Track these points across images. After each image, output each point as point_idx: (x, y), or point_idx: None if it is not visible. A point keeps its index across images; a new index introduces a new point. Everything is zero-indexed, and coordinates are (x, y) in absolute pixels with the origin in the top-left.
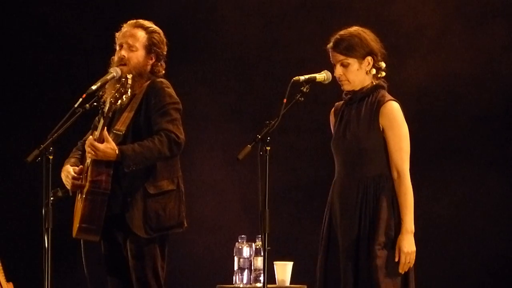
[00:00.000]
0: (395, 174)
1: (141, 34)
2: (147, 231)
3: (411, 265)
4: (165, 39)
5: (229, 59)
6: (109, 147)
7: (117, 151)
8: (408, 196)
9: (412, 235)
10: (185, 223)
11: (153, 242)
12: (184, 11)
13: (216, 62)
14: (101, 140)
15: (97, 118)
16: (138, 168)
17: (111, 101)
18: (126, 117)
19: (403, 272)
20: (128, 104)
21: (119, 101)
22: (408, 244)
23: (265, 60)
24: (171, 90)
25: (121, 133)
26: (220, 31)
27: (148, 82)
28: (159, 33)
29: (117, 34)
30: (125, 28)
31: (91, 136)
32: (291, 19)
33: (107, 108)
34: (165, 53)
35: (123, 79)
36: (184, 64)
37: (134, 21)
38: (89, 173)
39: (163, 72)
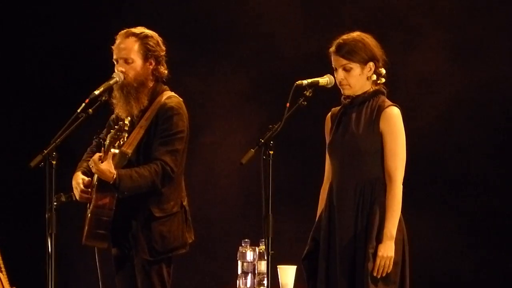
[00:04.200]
0: (387, 179)
1: (134, 44)
2: (152, 254)
3: (388, 271)
4: (160, 40)
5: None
6: (108, 169)
7: (115, 175)
8: (395, 202)
9: (392, 241)
10: (188, 243)
11: (160, 261)
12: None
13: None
14: (104, 159)
15: (112, 117)
16: (130, 195)
17: (110, 140)
18: (134, 139)
19: (378, 276)
20: (138, 119)
21: (117, 142)
22: (384, 249)
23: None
24: (180, 117)
25: (127, 155)
26: (238, 22)
27: (160, 101)
28: (152, 37)
29: (113, 47)
30: (118, 40)
31: (97, 153)
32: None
33: (107, 143)
34: (163, 54)
35: (121, 123)
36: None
37: (125, 30)
38: (93, 196)
39: (166, 72)
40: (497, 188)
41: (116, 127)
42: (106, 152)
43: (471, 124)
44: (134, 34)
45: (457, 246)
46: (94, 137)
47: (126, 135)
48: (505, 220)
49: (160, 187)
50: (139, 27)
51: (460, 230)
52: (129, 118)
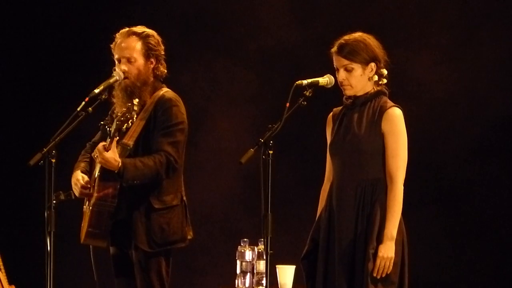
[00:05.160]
0: (388, 180)
1: (136, 43)
2: (151, 246)
3: (388, 271)
4: (160, 39)
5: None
6: (113, 157)
7: (119, 164)
8: (396, 203)
9: (393, 242)
10: (187, 237)
11: (158, 255)
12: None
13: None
14: (109, 148)
15: (106, 119)
16: (134, 184)
17: (117, 123)
18: (134, 131)
19: (378, 277)
20: (137, 112)
21: (125, 125)
22: (385, 250)
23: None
24: (178, 109)
25: (128, 147)
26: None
27: (159, 94)
28: (153, 36)
29: (112, 46)
30: (119, 39)
31: (102, 142)
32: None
33: (113, 128)
34: (163, 53)
35: (129, 105)
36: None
37: (126, 30)
38: (95, 187)
39: (165, 71)
40: (489, 190)
41: (124, 109)
42: (112, 138)
43: (460, 128)
44: (136, 33)
45: (454, 248)
46: (100, 124)
47: (135, 115)
48: (500, 222)
49: (165, 177)
50: (139, 26)
51: (457, 233)
52: (137, 100)
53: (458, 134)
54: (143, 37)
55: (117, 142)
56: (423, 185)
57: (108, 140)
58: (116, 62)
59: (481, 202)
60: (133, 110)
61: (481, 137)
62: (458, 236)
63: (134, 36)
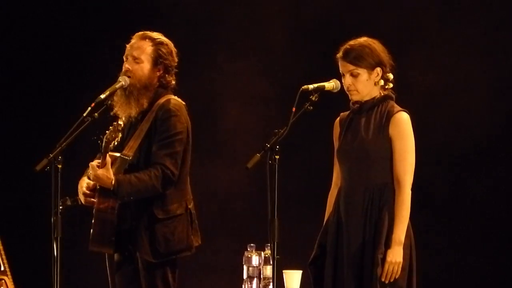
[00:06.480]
0: (395, 184)
1: (147, 46)
2: (156, 256)
3: (397, 276)
4: (174, 50)
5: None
6: (106, 175)
7: (113, 181)
8: (404, 207)
9: (401, 246)
10: (194, 245)
11: (163, 264)
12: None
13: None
14: (103, 165)
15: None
16: (130, 200)
17: (106, 141)
18: (135, 142)
19: (387, 282)
20: (139, 122)
21: (112, 143)
22: (393, 254)
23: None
24: (178, 119)
25: (128, 158)
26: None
27: (160, 103)
28: (167, 45)
29: (127, 45)
30: (133, 40)
31: (96, 160)
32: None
33: (104, 144)
34: (174, 64)
35: (115, 123)
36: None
37: (142, 32)
38: (96, 200)
39: (174, 83)
40: (488, 192)
41: (111, 127)
42: (104, 153)
43: (458, 129)
44: (150, 38)
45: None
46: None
47: (120, 135)
48: (500, 224)
49: (162, 191)
50: (156, 33)
51: (457, 235)
52: (123, 119)
53: (457, 135)
54: (156, 43)
55: (120, 152)
56: (422, 185)
57: (102, 155)
58: (124, 59)
59: (480, 203)
60: (118, 130)
61: (479, 139)
62: (458, 239)
63: (148, 40)
